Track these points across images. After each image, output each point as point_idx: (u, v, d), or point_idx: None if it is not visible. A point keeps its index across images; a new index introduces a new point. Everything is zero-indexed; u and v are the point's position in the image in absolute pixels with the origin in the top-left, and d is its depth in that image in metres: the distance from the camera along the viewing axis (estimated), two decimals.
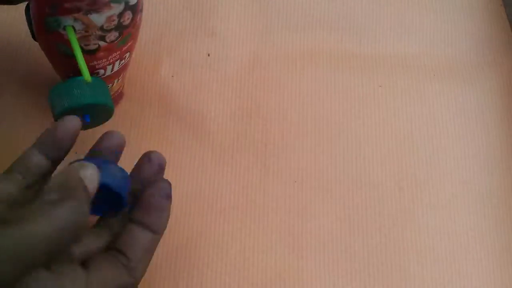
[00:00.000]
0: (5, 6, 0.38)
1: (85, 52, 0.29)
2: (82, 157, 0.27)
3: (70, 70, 0.30)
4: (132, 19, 0.29)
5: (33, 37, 0.29)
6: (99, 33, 0.28)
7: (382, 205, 0.36)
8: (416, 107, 0.39)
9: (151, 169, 0.27)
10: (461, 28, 0.42)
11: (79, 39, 0.28)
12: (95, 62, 0.30)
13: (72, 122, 0.25)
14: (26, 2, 0.28)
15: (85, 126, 0.30)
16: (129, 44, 0.31)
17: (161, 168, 0.28)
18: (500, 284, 0.34)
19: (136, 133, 0.37)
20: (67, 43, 0.28)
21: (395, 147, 0.38)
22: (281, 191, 0.36)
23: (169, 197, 0.26)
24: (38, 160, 0.25)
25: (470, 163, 0.37)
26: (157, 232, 0.26)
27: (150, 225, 0.25)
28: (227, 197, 0.36)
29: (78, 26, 0.27)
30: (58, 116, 0.28)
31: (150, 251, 0.26)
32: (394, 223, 0.35)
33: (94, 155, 0.27)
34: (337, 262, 0.34)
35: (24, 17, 0.29)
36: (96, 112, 0.30)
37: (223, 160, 0.37)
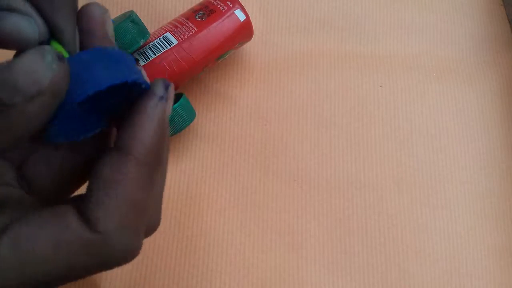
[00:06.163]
0: None
1: None
2: None
3: None
4: None
5: None
6: None
7: (381, 205, 0.36)
8: (416, 107, 0.39)
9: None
10: (461, 28, 0.42)
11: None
12: None
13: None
14: None
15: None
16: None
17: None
18: (500, 284, 0.34)
19: None
20: None
21: (395, 147, 0.38)
22: (281, 191, 0.36)
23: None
24: None
25: (470, 163, 0.37)
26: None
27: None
28: (227, 197, 0.36)
29: None
30: None
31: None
32: (393, 223, 0.35)
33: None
34: (337, 262, 0.34)
35: None
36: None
37: (222, 160, 0.37)
